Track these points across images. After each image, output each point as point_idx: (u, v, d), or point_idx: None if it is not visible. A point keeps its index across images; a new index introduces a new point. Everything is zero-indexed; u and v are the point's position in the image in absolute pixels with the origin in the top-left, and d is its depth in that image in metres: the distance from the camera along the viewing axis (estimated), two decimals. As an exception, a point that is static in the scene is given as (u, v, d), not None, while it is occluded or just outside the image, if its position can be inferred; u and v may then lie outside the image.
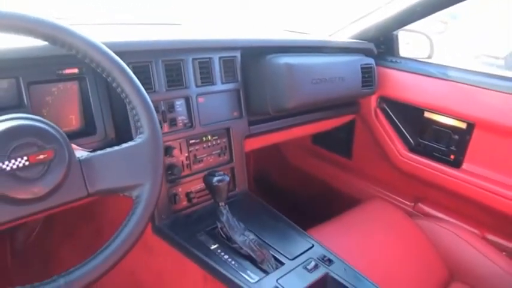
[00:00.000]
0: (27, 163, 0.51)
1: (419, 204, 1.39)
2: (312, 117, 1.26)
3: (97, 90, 0.82)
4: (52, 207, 0.55)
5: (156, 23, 1.24)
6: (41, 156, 0.52)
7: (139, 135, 0.64)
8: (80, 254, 0.57)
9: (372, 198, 1.38)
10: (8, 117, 0.52)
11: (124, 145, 0.62)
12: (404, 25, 1.33)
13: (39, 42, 0.69)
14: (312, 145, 1.69)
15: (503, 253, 1.16)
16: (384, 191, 1.49)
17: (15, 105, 0.72)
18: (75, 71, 0.79)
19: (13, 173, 0.50)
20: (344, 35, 1.38)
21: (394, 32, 1.38)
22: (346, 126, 1.51)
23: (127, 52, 0.64)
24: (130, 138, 0.83)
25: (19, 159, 0.50)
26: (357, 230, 1.13)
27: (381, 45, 1.39)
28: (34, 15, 0.54)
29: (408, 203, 1.42)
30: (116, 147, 0.62)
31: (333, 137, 1.58)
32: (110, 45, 0.63)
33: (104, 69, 0.61)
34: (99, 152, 0.60)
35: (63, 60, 0.76)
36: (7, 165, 0.49)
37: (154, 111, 0.65)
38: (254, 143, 1.12)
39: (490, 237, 1.23)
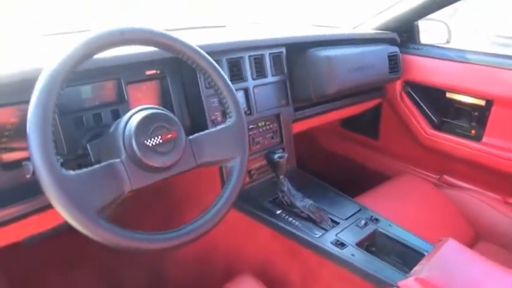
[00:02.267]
0: (161, 141, 0.67)
1: (444, 176, 1.53)
2: (346, 102, 1.41)
3: (176, 87, 0.98)
4: (173, 174, 0.72)
5: (203, 27, 1.39)
6: (169, 136, 0.68)
7: (229, 119, 0.80)
8: (159, 226, 0.69)
9: (401, 173, 1.53)
10: (143, 107, 0.69)
11: (218, 127, 0.78)
12: (425, 15, 1.46)
13: (134, 50, 0.86)
14: (340, 129, 1.85)
15: (524, 214, 1.30)
16: (410, 166, 1.64)
17: (119, 101, 0.89)
18: (158, 71, 0.95)
19: (153, 148, 0.66)
20: (368, 27, 1.53)
21: (415, 22, 1.52)
22: (373, 109, 1.66)
23: None
24: (204, 126, 0.99)
25: (156, 138, 0.67)
26: (392, 198, 1.29)
27: (403, 33, 1.53)
28: (151, 28, 0.70)
29: (433, 176, 1.57)
30: (213, 129, 0.78)
31: (360, 120, 1.73)
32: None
33: (201, 68, 0.76)
34: (201, 133, 0.76)
35: (149, 64, 0.92)
36: (149, 142, 0.66)
37: (239, 100, 0.81)
38: (299, 126, 1.28)
39: None
